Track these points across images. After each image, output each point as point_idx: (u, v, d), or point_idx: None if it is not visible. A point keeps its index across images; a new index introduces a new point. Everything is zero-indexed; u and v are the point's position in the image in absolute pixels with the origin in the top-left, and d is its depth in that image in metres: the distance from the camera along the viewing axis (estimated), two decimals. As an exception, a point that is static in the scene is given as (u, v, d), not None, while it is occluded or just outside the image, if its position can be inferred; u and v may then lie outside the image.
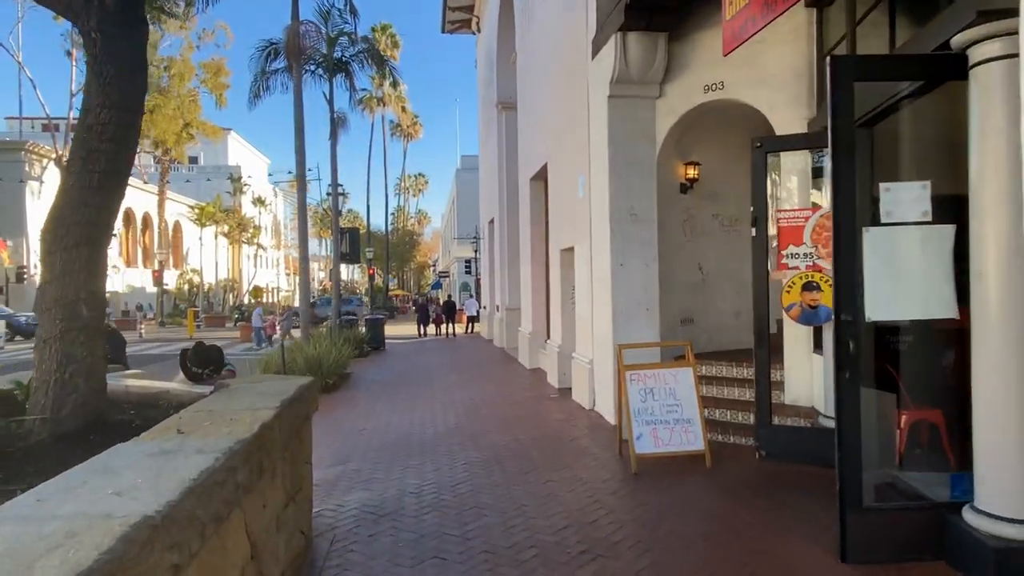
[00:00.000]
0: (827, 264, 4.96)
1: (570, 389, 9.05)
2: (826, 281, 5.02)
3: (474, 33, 23.14)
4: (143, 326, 26.02)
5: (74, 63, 31.97)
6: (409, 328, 27.14)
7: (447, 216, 65.04)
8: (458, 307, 26.53)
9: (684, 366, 5.55)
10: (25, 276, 29.86)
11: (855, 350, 3.54)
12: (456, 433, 7.01)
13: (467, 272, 38.95)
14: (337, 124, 16.84)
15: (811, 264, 5.22)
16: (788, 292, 5.24)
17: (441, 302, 26.35)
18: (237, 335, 23.96)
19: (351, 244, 18.95)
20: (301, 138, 12.35)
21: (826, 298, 5.02)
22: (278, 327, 20.21)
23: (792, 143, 5.85)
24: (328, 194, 17.22)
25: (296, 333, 19.96)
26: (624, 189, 6.93)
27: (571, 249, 9.06)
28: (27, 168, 31.26)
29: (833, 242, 3.62)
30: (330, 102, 16.86)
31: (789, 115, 6.16)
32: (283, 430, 3.02)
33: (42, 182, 32.19)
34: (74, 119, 32.02)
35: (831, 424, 3.84)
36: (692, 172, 7.42)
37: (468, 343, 20.19)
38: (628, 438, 5.33)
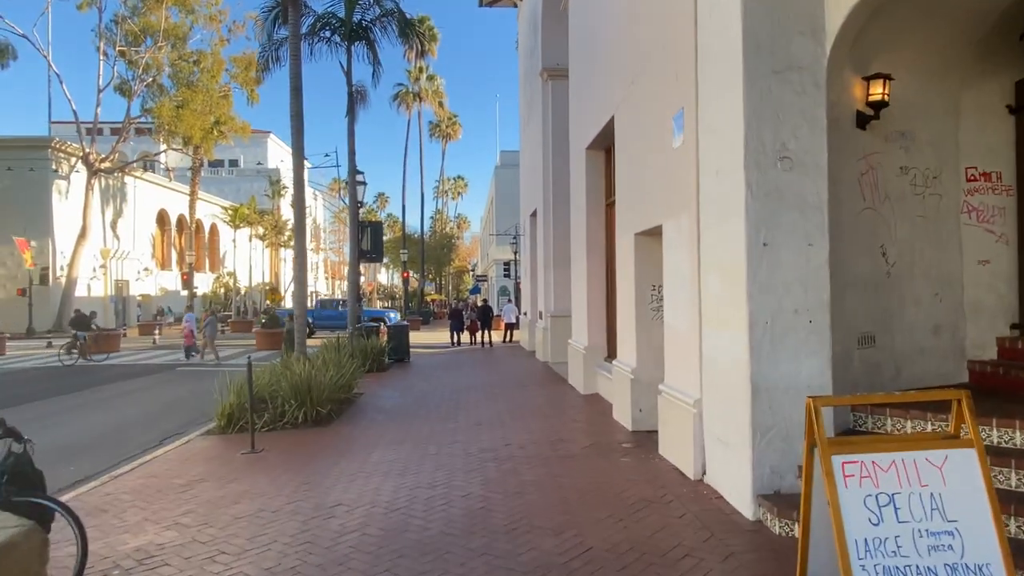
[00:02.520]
0: None
1: (652, 435, 6.18)
2: None
3: (514, 5, 20.62)
4: (159, 332, 24.23)
5: (102, 58, 30.89)
6: (442, 335, 24.60)
7: (485, 218, 62.73)
8: (495, 313, 23.85)
9: (955, 444, 2.63)
10: (48, 278, 28.73)
11: None
12: (479, 527, 4.23)
13: (505, 275, 36.34)
14: (356, 98, 14.43)
15: None
16: None
17: (476, 306, 23.66)
18: (253, 343, 21.86)
19: (373, 240, 16.47)
20: (298, 101, 9.88)
21: None
22: (197, 335, 17.62)
23: None
24: (347, 181, 14.68)
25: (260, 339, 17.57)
26: (770, 116, 4.05)
27: (654, 231, 6.21)
28: (54, 166, 30.23)
29: None
30: (347, 73, 14.46)
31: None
32: None
33: (69, 182, 31.16)
34: (101, 122, 31.01)
35: None
36: (878, 92, 4.45)
37: (506, 354, 17.45)
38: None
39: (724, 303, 4.38)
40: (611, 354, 9.18)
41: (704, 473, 4.83)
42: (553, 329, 13.86)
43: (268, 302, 25.63)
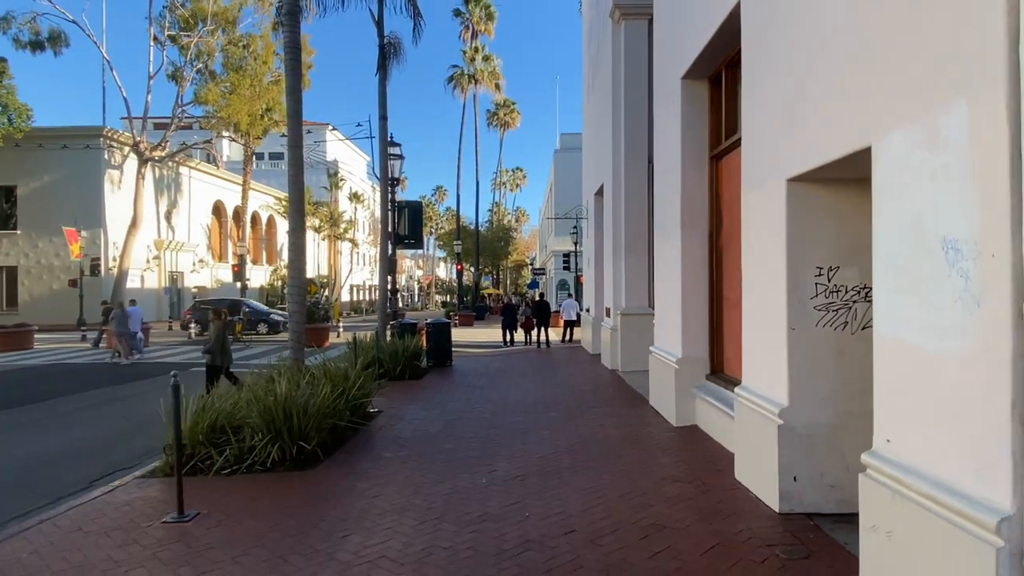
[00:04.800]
0: None
1: (819, 526, 3.44)
2: None
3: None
4: (194, 326, 23.03)
5: (152, 43, 30.21)
6: (495, 333, 22.23)
7: (544, 208, 59.99)
8: (553, 308, 21.23)
9: None
10: (99, 269, 28.29)
11: None
12: None
13: (565, 268, 33.53)
14: (388, 52, 12.12)
15: None
16: None
17: (532, 301, 21.07)
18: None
19: (411, 224, 14.18)
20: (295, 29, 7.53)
21: None
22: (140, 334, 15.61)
23: None
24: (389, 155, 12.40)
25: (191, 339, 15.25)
26: None
27: (838, 167, 3.45)
28: (106, 156, 29.86)
29: None
30: (378, 23, 12.17)
31: None
32: None
33: (122, 171, 30.78)
34: (151, 117, 30.48)
35: None
36: None
37: (566, 358, 14.82)
38: None
39: None
40: (717, 369, 6.41)
41: None
42: (625, 330, 11.13)
43: (309, 296, 23.91)
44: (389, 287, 13.52)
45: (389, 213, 12.96)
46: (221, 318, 9.72)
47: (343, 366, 8.12)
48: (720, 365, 6.43)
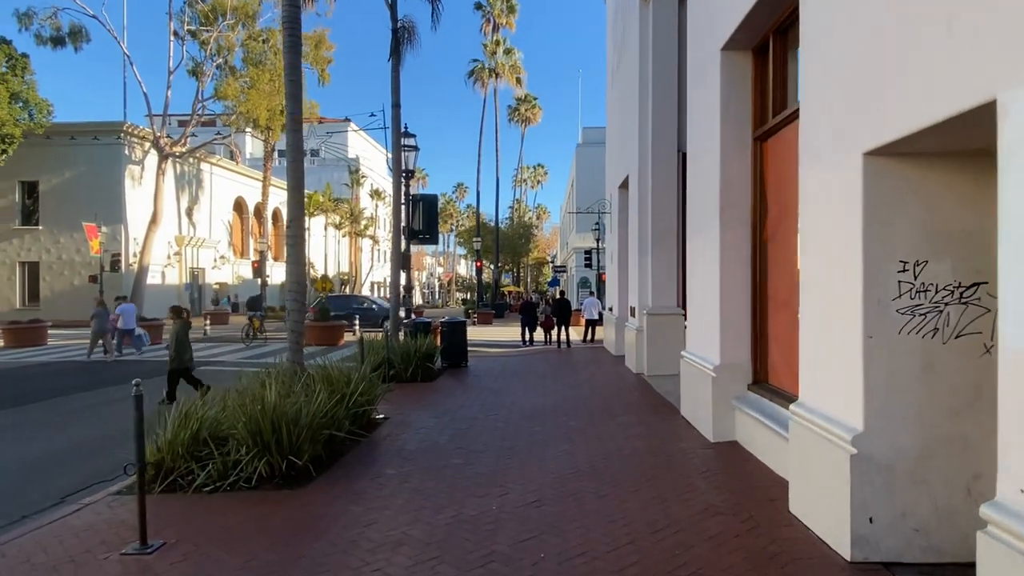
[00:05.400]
0: None
1: (908, 574, 2.70)
2: None
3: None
4: (208, 323, 22.78)
5: (172, 38, 30.14)
6: (514, 331, 21.58)
7: (565, 204, 59.09)
8: (574, 307, 20.50)
9: None
10: (119, 264, 28.32)
11: None
12: None
13: (586, 265, 32.73)
14: (402, 36, 11.50)
15: None
16: None
17: (552, 299, 20.34)
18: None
19: (426, 218, 13.57)
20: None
21: None
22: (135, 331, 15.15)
23: None
24: (404, 145, 11.82)
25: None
26: None
27: (939, 133, 2.71)
28: (126, 151, 29.88)
29: None
30: (391, 6, 11.57)
31: None
32: None
33: (143, 167, 30.78)
34: (171, 114, 30.33)
35: None
36: None
37: (586, 359, 14.10)
38: None
39: None
40: (761, 378, 5.66)
41: None
42: (651, 331, 10.38)
43: (318, 291, 23.57)
44: (403, 283, 12.94)
45: (403, 207, 12.37)
46: (182, 317, 9.10)
47: (349, 367, 7.55)
48: (764, 374, 5.68)
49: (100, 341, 14.82)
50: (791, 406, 4.12)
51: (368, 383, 6.97)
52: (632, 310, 11.92)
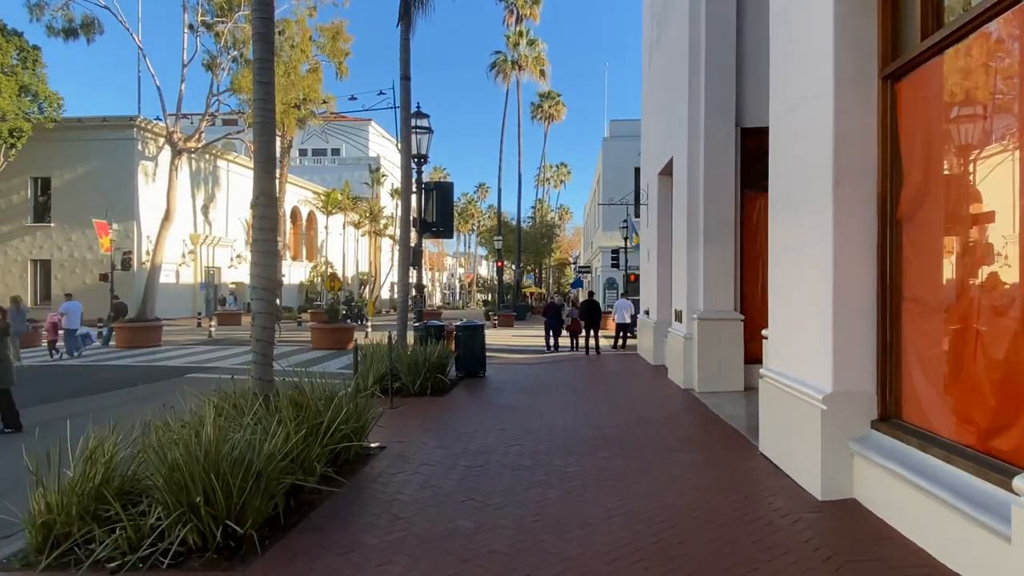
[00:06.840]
0: None
1: None
2: None
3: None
4: (212, 323, 21.62)
5: (186, 31, 29.23)
6: (537, 335, 20.01)
7: (589, 205, 57.28)
8: (603, 310, 18.83)
9: None
10: (131, 262, 27.45)
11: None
12: None
13: (613, 265, 30.99)
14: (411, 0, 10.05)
15: None
16: None
17: (578, 301, 18.69)
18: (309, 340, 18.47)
19: (440, 209, 12.06)
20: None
21: None
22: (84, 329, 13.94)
23: None
24: (413, 129, 10.31)
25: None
26: None
27: None
28: (139, 146, 29.08)
29: None
30: (400, -36, 10.10)
31: None
32: None
33: (156, 163, 29.96)
34: (184, 113, 29.52)
35: None
36: None
37: (620, 369, 12.46)
38: None
39: None
40: (892, 412, 4.00)
41: None
42: (703, 340, 8.72)
43: (328, 291, 22.26)
44: (412, 282, 11.47)
45: (413, 195, 10.90)
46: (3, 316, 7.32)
47: (335, 384, 6.06)
48: (897, 408, 4.01)
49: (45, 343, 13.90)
50: (1015, 481, 2.46)
51: (357, 405, 5.48)
52: (678, 314, 10.26)
